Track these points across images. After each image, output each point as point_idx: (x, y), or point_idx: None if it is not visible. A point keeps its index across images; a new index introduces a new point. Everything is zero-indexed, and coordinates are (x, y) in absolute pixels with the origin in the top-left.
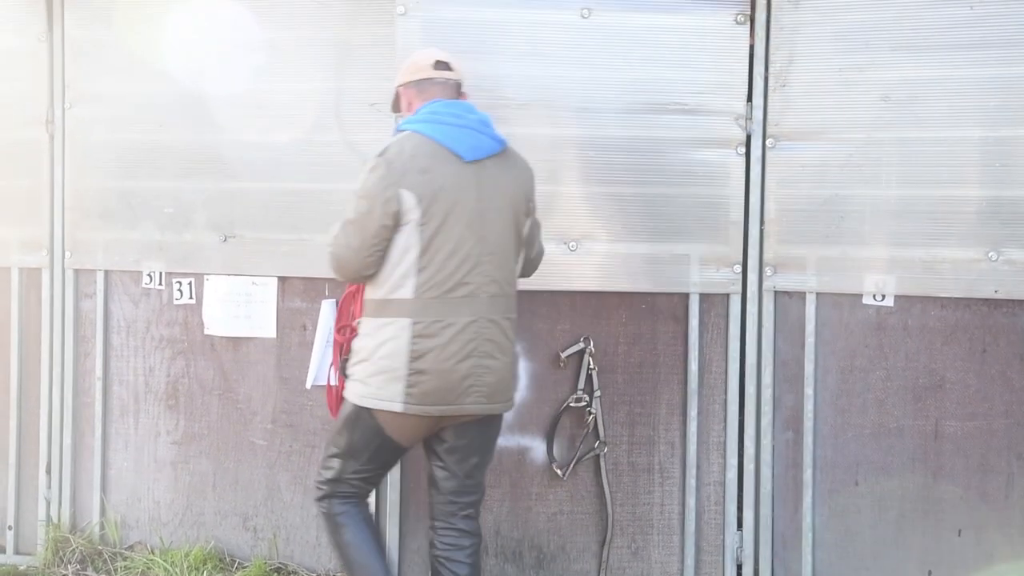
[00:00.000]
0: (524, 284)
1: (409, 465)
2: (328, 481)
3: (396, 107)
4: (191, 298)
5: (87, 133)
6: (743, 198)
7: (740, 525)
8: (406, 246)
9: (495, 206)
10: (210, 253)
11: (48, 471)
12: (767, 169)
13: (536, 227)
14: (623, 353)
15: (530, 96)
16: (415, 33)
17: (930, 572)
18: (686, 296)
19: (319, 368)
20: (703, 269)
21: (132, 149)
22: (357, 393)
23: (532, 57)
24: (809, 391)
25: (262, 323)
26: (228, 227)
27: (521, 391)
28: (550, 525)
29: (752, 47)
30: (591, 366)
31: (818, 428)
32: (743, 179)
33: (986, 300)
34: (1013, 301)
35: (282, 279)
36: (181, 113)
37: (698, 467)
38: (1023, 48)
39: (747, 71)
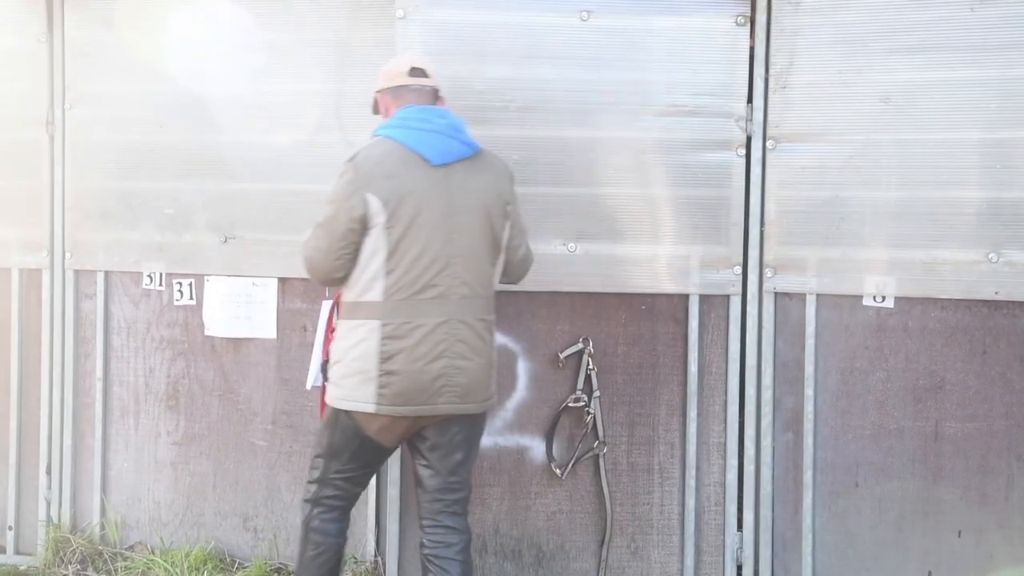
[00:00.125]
0: (524, 285)
1: (410, 463)
2: (314, 481)
3: (376, 111)
4: (191, 299)
5: (87, 134)
6: (743, 199)
7: (740, 526)
8: (374, 249)
9: (465, 209)
10: (210, 254)
11: (48, 472)
12: (767, 170)
13: (519, 231)
14: (623, 354)
15: (530, 98)
16: (414, 36)
17: (930, 573)
18: (686, 297)
19: (319, 369)
20: (703, 270)
21: (132, 150)
22: (333, 395)
23: (532, 60)
24: (809, 392)
25: (262, 324)
26: (228, 228)
27: (520, 391)
28: (549, 524)
29: (752, 49)
30: (590, 366)
31: (818, 429)
32: (743, 180)
33: (986, 301)
34: (1013, 303)
35: (282, 280)
36: (181, 114)
37: (698, 468)
38: (1023, 50)
39: (747, 73)
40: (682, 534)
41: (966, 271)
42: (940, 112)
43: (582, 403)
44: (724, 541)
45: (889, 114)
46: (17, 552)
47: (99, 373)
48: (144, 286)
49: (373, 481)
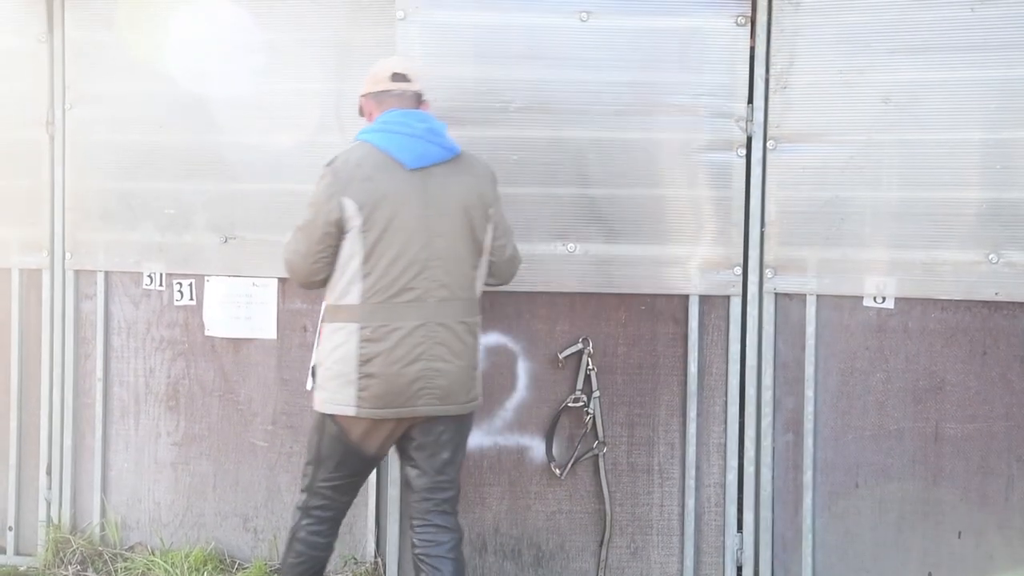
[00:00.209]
0: (524, 285)
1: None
2: (304, 490)
3: (362, 114)
4: (191, 299)
5: (87, 134)
6: (743, 200)
7: (740, 527)
8: (351, 252)
9: (443, 212)
10: (210, 254)
11: (48, 472)
12: (768, 171)
13: (503, 232)
14: (622, 354)
15: (530, 99)
16: (414, 38)
17: (930, 574)
18: (686, 298)
19: None
20: (703, 271)
21: (132, 150)
22: (318, 399)
23: (531, 60)
24: (809, 393)
25: (263, 324)
26: (228, 228)
27: (520, 391)
28: (549, 524)
29: (753, 49)
30: (590, 367)
31: (818, 430)
32: (744, 181)
33: (986, 302)
34: (1013, 303)
35: (283, 280)
36: (181, 114)
37: (698, 468)
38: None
39: (748, 73)
40: (682, 535)
41: (966, 272)
42: (941, 112)
43: (581, 403)
44: (724, 542)
45: (890, 114)
46: (17, 553)
47: (99, 373)
48: (144, 286)
49: (373, 481)
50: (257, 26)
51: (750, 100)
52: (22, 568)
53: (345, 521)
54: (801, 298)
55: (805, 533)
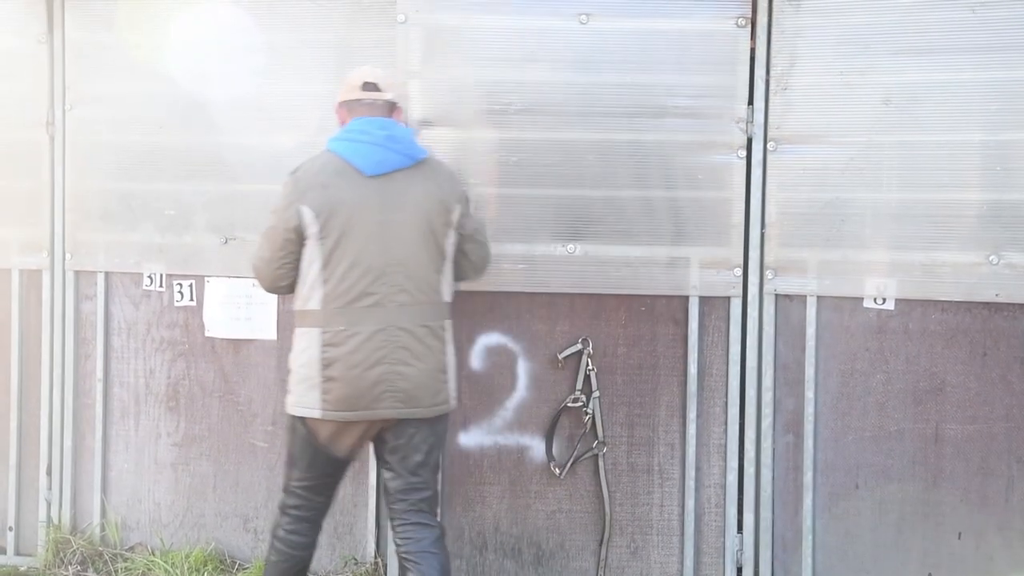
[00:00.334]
0: (524, 285)
1: None
2: (283, 489)
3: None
4: (192, 300)
5: (87, 135)
6: (744, 201)
7: (740, 527)
8: (311, 259)
9: (402, 218)
10: (210, 255)
11: (49, 472)
12: (768, 172)
13: (473, 233)
14: (622, 355)
15: (530, 101)
16: (415, 40)
17: (930, 575)
18: (686, 299)
19: None
20: (703, 272)
21: (132, 151)
22: (288, 401)
23: (532, 63)
24: (810, 394)
25: (263, 325)
26: (228, 229)
27: (520, 391)
28: (549, 523)
29: (753, 50)
30: (589, 367)
31: (818, 431)
32: (744, 182)
33: (987, 304)
34: (1014, 305)
35: None
36: (181, 115)
37: (698, 469)
38: None
39: (748, 75)
40: (682, 535)
41: (966, 273)
42: (942, 114)
43: (581, 403)
44: (724, 542)
45: (890, 116)
46: (17, 553)
47: (99, 374)
48: (144, 287)
49: (373, 483)
50: (257, 27)
51: (750, 101)
52: (22, 568)
53: (345, 522)
54: (801, 299)
55: (805, 534)
